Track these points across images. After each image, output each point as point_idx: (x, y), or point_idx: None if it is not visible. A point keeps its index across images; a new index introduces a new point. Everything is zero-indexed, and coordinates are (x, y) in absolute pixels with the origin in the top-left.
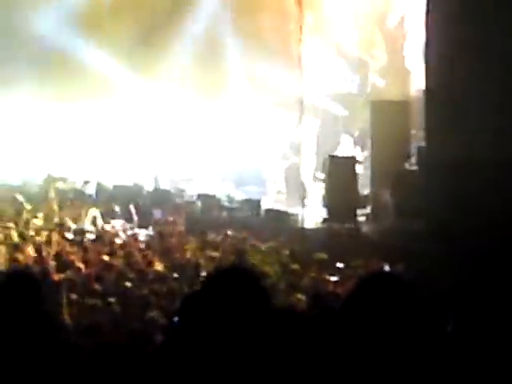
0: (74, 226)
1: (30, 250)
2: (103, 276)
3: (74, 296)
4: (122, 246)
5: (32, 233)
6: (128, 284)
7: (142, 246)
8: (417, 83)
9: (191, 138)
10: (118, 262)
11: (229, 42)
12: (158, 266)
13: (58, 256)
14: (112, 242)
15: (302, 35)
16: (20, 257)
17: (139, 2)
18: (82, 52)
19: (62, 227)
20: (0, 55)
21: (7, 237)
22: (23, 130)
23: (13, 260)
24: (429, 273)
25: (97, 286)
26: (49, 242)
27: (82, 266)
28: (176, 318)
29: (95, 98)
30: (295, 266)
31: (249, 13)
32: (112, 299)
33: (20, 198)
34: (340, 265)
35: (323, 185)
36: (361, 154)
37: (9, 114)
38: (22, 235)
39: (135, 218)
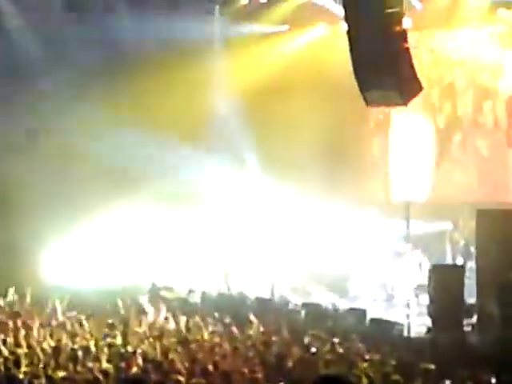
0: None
1: (134, 358)
2: None
3: None
4: (223, 355)
5: (135, 341)
6: None
7: (244, 355)
8: None
9: (293, 247)
10: (219, 372)
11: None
12: (259, 375)
13: (159, 365)
14: (212, 351)
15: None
16: (124, 365)
17: None
18: None
19: (164, 335)
20: None
21: (111, 344)
22: (128, 238)
23: (118, 368)
24: None
25: None
26: (153, 349)
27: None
28: None
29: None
30: (397, 377)
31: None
32: None
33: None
34: (447, 382)
35: (428, 294)
36: (466, 264)
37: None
38: (126, 343)
39: (234, 328)
